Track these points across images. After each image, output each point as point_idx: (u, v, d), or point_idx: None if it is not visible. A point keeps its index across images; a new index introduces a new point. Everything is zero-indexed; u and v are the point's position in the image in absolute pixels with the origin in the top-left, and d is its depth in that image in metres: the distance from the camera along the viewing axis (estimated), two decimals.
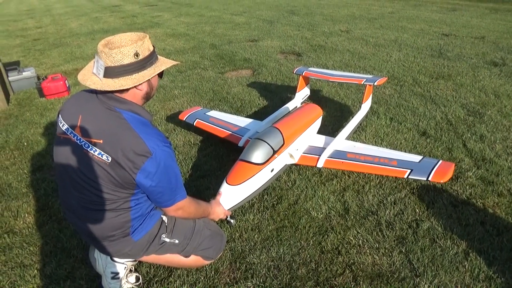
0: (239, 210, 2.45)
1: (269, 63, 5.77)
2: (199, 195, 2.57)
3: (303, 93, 3.78)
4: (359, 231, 2.25)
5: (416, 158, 2.60)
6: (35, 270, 2.07)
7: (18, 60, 6.81)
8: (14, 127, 3.96)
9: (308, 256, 2.09)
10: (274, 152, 2.49)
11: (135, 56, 1.45)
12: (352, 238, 2.20)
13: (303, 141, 2.83)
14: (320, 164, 2.64)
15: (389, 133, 3.37)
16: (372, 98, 3.85)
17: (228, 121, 3.34)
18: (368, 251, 2.11)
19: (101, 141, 1.46)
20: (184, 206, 1.68)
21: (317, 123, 3.07)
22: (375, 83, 3.31)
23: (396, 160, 2.57)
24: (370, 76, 3.48)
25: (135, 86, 1.49)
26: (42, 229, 2.39)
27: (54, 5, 17.07)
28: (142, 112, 1.57)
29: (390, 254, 2.07)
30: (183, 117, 3.50)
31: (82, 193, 1.57)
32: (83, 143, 1.50)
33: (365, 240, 2.18)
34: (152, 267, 2.04)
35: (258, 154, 2.40)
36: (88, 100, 1.56)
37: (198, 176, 2.89)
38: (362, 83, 3.34)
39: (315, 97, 4.27)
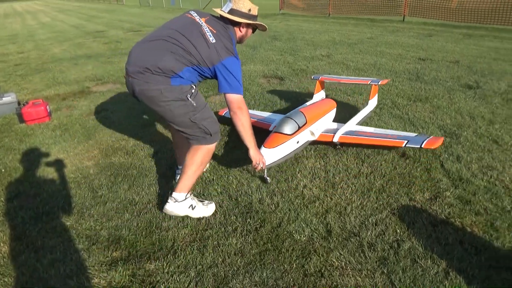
0: (222, 234, 2.44)
1: (252, 87, 5.86)
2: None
3: (319, 95, 4.40)
4: (342, 253, 2.26)
5: (412, 134, 3.47)
6: None
7: None
8: None
9: (291, 279, 2.08)
10: (299, 127, 3.23)
11: (248, 11, 2.53)
12: (334, 260, 2.20)
13: (322, 123, 3.62)
14: (336, 139, 3.40)
15: (369, 155, 3.43)
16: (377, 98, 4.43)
17: (258, 114, 4.19)
18: (351, 273, 2.11)
19: (215, 31, 2.41)
20: (242, 107, 2.46)
21: (333, 113, 3.85)
22: (379, 83, 4.13)
23: (396, 135, 3.41)
24: (375, 78, 4.48)
25: (239, 24, 2.55)
26: (18, 259, 2.32)
27: (37, 30, 17.01)
28: (235, 41, 2.59)
29: (373, 276, 2.08)
30: (222, 113, 4.28)
31: (165, 41, 2.36)
32: (203, 24, 2.43)
33: (347, 262, 2.19)
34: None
35: (288, 127, 3.15)
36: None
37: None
38: (369, 83, 4.17)
39: None
